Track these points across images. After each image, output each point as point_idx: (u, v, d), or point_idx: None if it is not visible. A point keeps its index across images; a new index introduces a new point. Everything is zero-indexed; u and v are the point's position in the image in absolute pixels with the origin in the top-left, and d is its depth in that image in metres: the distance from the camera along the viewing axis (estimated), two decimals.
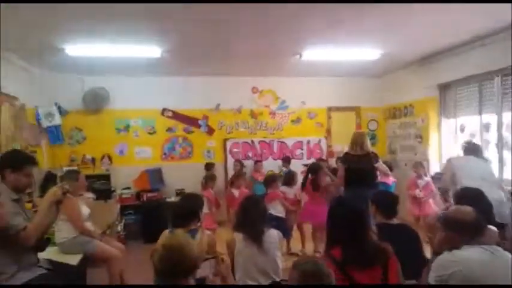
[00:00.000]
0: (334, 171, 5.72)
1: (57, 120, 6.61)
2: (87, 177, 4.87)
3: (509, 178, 5.07)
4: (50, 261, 3.09)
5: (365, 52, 5.86)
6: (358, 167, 4.75)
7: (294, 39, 5.16)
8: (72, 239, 3.73)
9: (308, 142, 7.88)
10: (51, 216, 2.80)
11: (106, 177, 6.57)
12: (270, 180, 5.47)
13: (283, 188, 5.51)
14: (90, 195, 5.55)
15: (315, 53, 5.83)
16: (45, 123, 6.47)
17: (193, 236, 2.72)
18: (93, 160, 6.99)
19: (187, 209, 2.98)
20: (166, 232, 1.95)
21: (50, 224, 2.87)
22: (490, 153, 5.54)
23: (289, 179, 5.67)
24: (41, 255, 3.00)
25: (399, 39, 5.28)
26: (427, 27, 4.71)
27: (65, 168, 6.37)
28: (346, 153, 5.02)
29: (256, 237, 2.78)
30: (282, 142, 7.77)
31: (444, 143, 6.60)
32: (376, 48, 5.69)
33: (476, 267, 2.01)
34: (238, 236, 2.85)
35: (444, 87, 6.52)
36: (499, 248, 2.12)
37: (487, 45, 5.15)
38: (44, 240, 2.90)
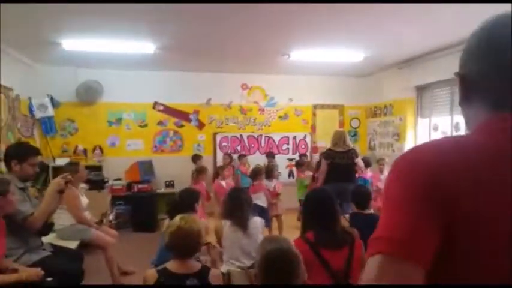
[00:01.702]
0: (318, 165, 6.03)
1: (50, 111, 6.75)
2: None
3: None
4: (52, 245, 3.31)
5: (350, 54, 6.17)
6: (340, 162, 5.11)
7: (282, 40, 5.41)
8: (69, 227, 3.97)
9: (294, 138, 8.18)
10: (55, 204, 3.03)
11: (98, 168, 6.76)
12: (256, 173, 5.77)
13: (264, 181, 5.77)
14: (83, 185, 5.72)
15: (302, 54, 6.09)
16: (38, 115, 6.61)
17: None
18: (85, 151, 7.15)
19: (184, 202, 3.31)
20: (178, 217, 2.21)
21: (53, 211, 3.10)
22: None
23: (268, 172, 5.92)
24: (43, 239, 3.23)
25: (381, 43, 5.59)
26: (407, 33, 5.03)
27: (58, 160, 6.59)
28: (329, 149, 5.33)
29: (242, 223, 3.09)
30: (269, 137, 8.04)
31: (419, 140, 7.04)
32: (360, 50, 5.99)
33: None
34: (226, 223, 3.14)
35: (421, 89, 6.95)
36: None
37: (460, 52, 5.48)
38: (48, 225, 3.12)
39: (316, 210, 2.52)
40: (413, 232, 0.67)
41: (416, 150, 0.78)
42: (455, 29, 4.78)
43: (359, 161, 5.37)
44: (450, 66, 4.98)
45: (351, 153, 5.22)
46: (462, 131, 5.93)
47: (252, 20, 4.50)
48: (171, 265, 2.13)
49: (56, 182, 2.99)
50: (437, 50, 5.90)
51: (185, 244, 2.10)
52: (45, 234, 3.17)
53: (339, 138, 5.29)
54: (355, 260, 2.34)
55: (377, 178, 6.39)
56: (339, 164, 5.12)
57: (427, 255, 0.67)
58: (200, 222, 2.28)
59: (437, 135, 6.58)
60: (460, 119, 6.00)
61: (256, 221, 3.23)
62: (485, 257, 0.67)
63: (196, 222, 2.18)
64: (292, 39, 5.39)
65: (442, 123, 6.51)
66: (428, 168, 0.70)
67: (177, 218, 2.18)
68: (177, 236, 2.10)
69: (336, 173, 5.10)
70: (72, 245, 3.74)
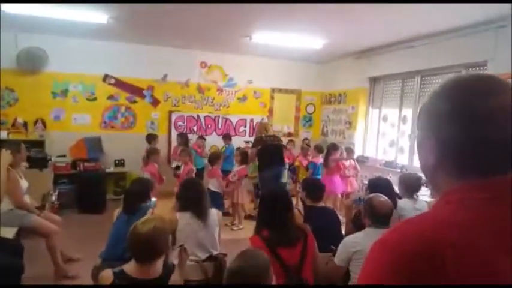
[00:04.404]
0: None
1: None
2: None
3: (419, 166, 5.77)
4: None
5: (310, 40, 6.08)
6: (271, 142, 5.53)
7: (244, 21, 5.20)
8: (7, 212, 3.57)
9: (251, 120, 8.01)
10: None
11: (40, 144, 6.24)
12: (214, 157, 5.67)
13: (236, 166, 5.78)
14: (24, 163, 5.22)
15: (264, 37, 5.93)
16: None
17: (145, 213, 2.96)
18: (25, 124, 6.52)
19: (137, 193, 3.19)
20: (140, 221, 2.03)
21: None
22: (405, 142, 6.29)
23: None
24: None
25: (340, 32, 5.56)
26: (366, 24, 5.03)
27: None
28: (259, 137, 5.63)
29: (202, 215, 2.99)
30: (226, 119, 7.81)
31: (369, 130, 7.24)
32: (320, 38, 5.90)
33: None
34: (185, 215, 2.98)
35: (374, 80, 7.09)
36: None
37: (413, 48, 5.72)
38: None
39: (273, 209, 2.58)
40: None
41: (397, 236, 0.74)
42: (411, 24, 4.89)
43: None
44: (402, 60, 5.24)
45: (277, 137, 5.81)
46: (409, 124, 6.14)
47: None
48: (129, 268, 1.97)
49: (5, 157, 2.69)
50: (392, 44, 6.03)
51: (145, 250, 1.94)
52: None
53: (261, 129, 5.75)
54: (308, 256, 2.43)
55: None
56: (270, 145, 5.49)
57: None
58: (165, 221, 2.11)
59: (386, 126, 6.82)
60: (407, 112, 6.23)
61: (214, 213, 3.15)
62: None
63: (160, 225, 2.01)
64: (254, 22, 5.22)
65: (391, 115, 6.70)
66: (407, 253, 0.68)
67: (140, 221, 2.00)
68: (136, 243, 1.94)
69: (270, 154, 5.43)
70: (10, 232, 3.37)
